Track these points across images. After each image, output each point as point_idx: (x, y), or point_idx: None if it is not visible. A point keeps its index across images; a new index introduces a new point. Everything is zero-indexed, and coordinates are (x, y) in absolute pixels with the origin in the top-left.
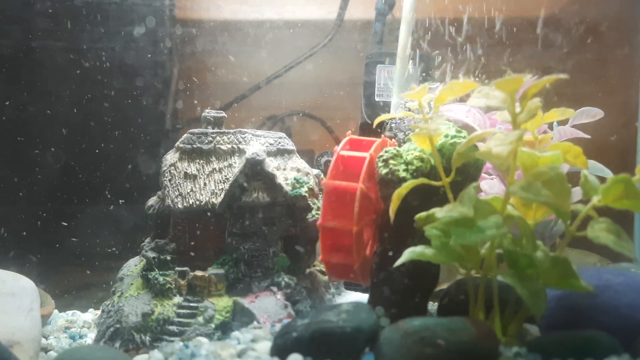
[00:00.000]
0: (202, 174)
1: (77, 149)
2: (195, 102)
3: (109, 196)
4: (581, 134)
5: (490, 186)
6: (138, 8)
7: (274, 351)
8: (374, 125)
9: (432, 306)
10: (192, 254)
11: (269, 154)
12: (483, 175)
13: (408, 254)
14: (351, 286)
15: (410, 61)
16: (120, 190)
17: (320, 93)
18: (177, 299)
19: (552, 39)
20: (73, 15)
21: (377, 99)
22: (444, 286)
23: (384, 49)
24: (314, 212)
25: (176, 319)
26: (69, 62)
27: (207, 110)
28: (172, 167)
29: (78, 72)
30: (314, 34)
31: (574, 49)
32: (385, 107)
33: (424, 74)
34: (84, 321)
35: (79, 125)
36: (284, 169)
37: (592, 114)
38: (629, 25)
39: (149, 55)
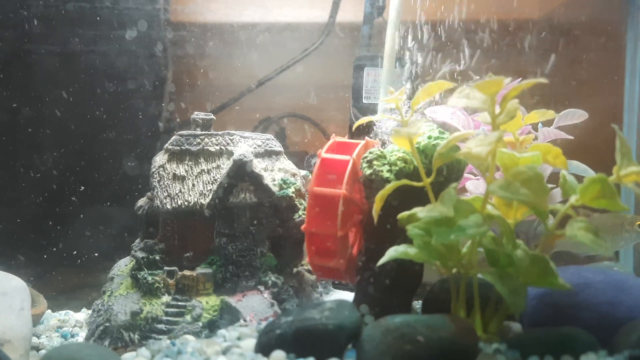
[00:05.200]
0: (190, 175)
1: (71, 150)
2: (189, 104)
3: (102, 197)
4: (564, 135)
5: (475, 186)
6: (133, 12)
7: (258, 348)
8: (354, 128)
9: (419, 305)
10: (180, 254)
11: (257, 155)
12: (469, 175)
13: (391, 252)
14: (339, 285)
15: (397, 64)
16: (113, 191)
17: (313, 95)
18: (166, 298)
19: (541, 42)
20: (68, 19)
21: (364, 101)
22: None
23: (371, 52)
24: (300, 212)
25: (164, 318)
26: (63, 65)
27: (196, 113)
28: (161, 169)
29: (72, 75)
30: (304, 37)
31: (562, 51)
32: (373, 109)
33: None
34: (76, 321)
35: (72, 127)
36: (272, 170)
37: (576, 115)
38: (615, 28)
39: (143, 58)
